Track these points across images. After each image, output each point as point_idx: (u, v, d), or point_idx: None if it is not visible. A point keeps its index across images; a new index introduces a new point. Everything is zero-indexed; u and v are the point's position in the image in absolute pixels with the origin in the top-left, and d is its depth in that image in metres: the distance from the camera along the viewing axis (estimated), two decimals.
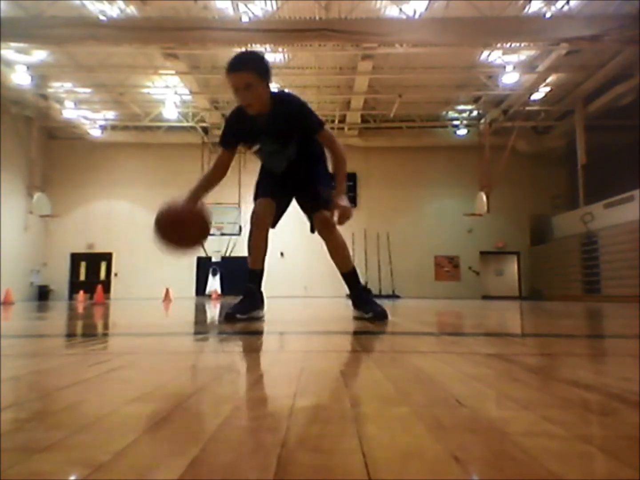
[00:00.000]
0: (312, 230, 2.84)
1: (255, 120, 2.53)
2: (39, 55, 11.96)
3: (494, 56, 12.31)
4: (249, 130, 2.61)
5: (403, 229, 16.29)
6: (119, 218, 16.90)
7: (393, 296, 14.79)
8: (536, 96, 14.00)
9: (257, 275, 2.81)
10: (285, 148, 2.68)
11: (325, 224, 2.70)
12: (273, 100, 2.51)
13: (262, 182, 2.86)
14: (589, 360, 1.25)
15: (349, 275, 2.80)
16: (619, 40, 9.90)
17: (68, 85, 13.82)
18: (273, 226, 2.85)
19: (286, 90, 2.76)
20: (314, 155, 2.81)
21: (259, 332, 2.12)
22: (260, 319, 2.74)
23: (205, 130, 16.44)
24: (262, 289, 2.87)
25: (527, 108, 14.62)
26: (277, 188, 2.79)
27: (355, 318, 2.71)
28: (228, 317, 2.57)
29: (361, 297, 2.78)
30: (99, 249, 16.81)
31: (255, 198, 2.80)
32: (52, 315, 4.24)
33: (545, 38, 10.27)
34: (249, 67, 2.36)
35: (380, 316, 2.59)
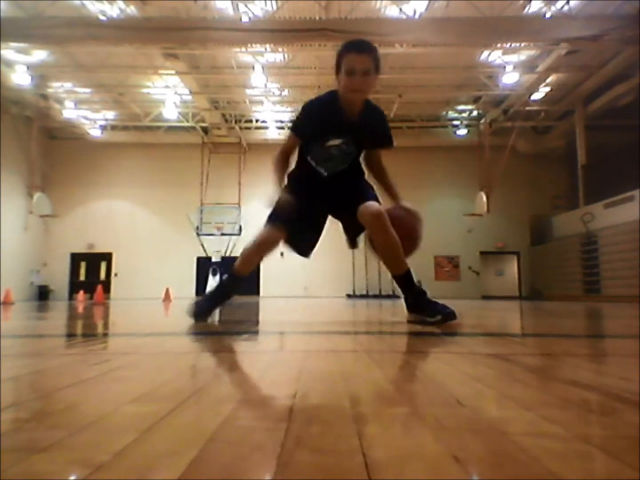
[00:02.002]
0: (353, 245, 2.63)
1: (345, 114, 2.37)
2: (39, 55, 11.96)
3: (494, 56, 12.31)
4: (334, 123, 2.39)
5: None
6: (119, 218, 16.91)
7: (393, 296, 14.79)
8: (536, 96, 14.00)
9: (239, 281, 2.59)
10: (355, 153, 2.51)
11: (376, 217, 2.34)
12: (366, 102, 2.40)
13: (283, 205, 2.50)
14: (589, 360, 1.25)
15: (404, 278, 2.43)
16: (619, 40, 9.90)
17: (68, 85, 13.83)
18: (307, 256, 2.67)
19: None
20: (360, 168, 2.61)
21: (259, 332, 2.12)
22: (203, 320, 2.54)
23: (205, 130, 16.44)
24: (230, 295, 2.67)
25: (527, 108, 14.63)
26: (305, 218, 2.50)
27: (414, 322, 2.42)
28: (197, 316, 2.48)
29: (421, 300, 2.42)
30: (99, 249, 16.82)
31: (269, 220, 2.49)
32: (52, 315, 4.24)
33: (545, 38, 10.27)
34: (373, 53, 2.26)
35: (451, 317, 2.27)
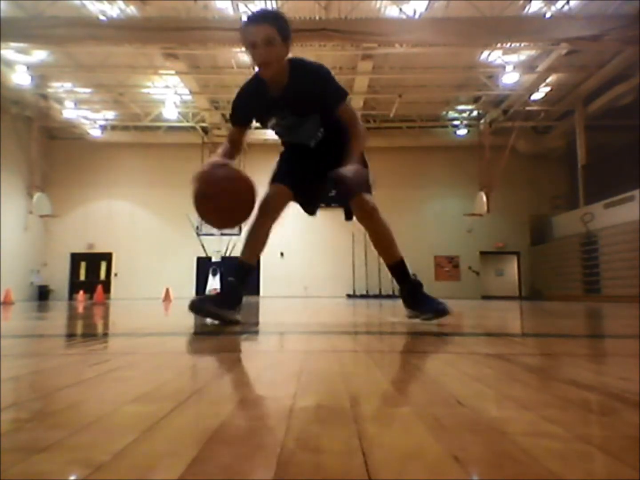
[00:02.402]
0: (348, 217, 2.46)
1: (270, 90, 2.26)
2: (39, 55, 11.96)
3: (494, 56, 12.31)
4: (264, 103, 2.31)
5: (403, 229, 16.26)
6: (119, 218, 16.91)
7: (393, 296, 14.79)
8: (536, 96, 14.00)
9: (247, 271, 2.37)
10: (305, 121, 2.35)
11: (363, 208, 2.31)
12: (291, 68, 2.24)
13: (281, 167, 2.49)
14: (589, 360, 1.25)
15: (397, 268, 2.36)
16: (619, 40, 9.90)
17: (68, 85, 13.83)
18: (312, 213, 2.55)
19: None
20: (343, 132, 2.37)
21: (259, 332, 2.12)
22: (232, 322, 2.25)
23: (205, 130, 16.44)
24: (244, 290, 2.37)
25: (527, 108, 14.63)
26: (301, 173, 2.43)
27: (410, 318, 2.35)
28: (194, 306, 2.21)
29: (414, 294, 2.34)
30: (99, 249, 16.82)
31: (271, 182, 2.44)
32: (52, 315, 4.24)
33: (545, 38, 10.27)
34: (271, 21, 2.14)
35: (442, 313, 2.23)
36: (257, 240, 2.38)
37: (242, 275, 2.34)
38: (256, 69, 2.25)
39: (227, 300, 2.26)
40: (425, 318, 2.25)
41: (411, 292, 2.36)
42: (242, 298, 2.31)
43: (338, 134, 2.34)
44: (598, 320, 3.44)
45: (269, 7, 10.59)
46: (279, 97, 2.28)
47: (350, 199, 2.31)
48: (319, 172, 2.35)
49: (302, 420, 0.59)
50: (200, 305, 2.23)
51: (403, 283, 2.38)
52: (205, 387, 0.85)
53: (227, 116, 2.44)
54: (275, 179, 2.43)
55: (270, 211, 2.35)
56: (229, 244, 15.77)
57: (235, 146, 2.43)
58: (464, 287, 16.07)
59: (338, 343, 1.64)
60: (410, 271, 2.39)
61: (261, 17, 2.18)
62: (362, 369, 1.08)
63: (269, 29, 2.12)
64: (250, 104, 2.36)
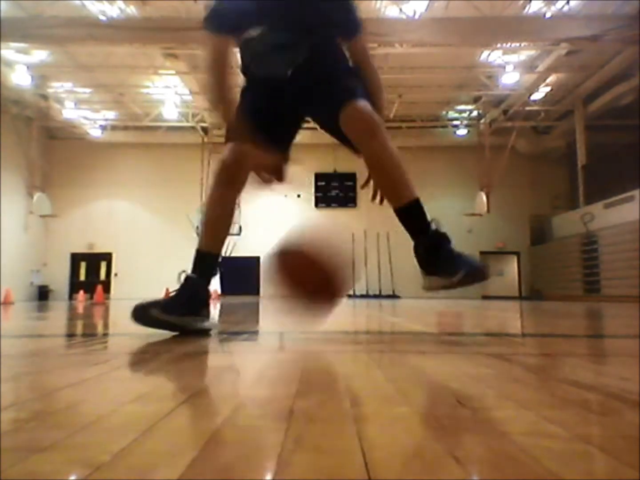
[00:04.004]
0: (355, 149, 1.76)
1: None
2: (39, 55, 11.96)
3: (494, 56, 12.31)
4: (252, 6, 1.74)
5: (403, 229, 16.26)
6: (119, 218, 16.91)
7: (393, 296, 14.79)
8: (536, 96, 14.00)
9: (210, 262, 1.79)
10: (299, 43, 1.79)
11: (359, 119, 1.64)
12: None
13: (242, 115, 1.82)
14: (589, 360, 1.25)
15: (409, 212, 1.66)
16: (619, 40, 9.90)
17: (68, 85, 13.83)
18: (286, 158, 1.88)
19: None
20: (333, 56, 1.88)
21: (259, 332, 2.13)
22: (202, 331, 1.71)
23: (205, 130, 16.44)
24: (210, 287, 1.81)
25: (527, 108, 14.63)
26: (270, 117, 1.83)
27: (430, 289, 1.66)
28: (137, 314, 1.64)
29: (435, 248, 1.60)
30: (99, 249, 16.82)
31: (227, 140, 1.82)
32: (52, 315, 4.24)
33: (545, 38, 10.27)
34: None
35: (480, 275, 1.55)
36: (219, 220, 1.81)
37: (204, 270, 1.76)
38: None
39: (185, 303, 1.67)
40: (458, 281, 1.51)
41: (432, 247, 1.61)
42: (209, 298, 1.76)
43: (324, 59, 1.84)
44: (598, 320, 3.44)
45: None
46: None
47: (340, 108, 1.64)
48: (293, 110, 1.87)
49: (302, 420, 0.59)
50: (144, 312, 1.64)
51: (419, 234, 1.64)
52: (205, 387, 0.85)
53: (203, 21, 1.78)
54: (234, 134, 1.80)
55: (231, 180, 1.78)
56: (229, 244, 15.78)
57: (222, 63, 1.81)
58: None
59: (338, 343, 1.64)
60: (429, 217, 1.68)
61: None
62: (362, 369, 1.08)
63: None
64: (235, 4, 1.77)
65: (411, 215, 1.66)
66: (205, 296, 1.75)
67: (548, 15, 10.25)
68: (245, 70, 1.90)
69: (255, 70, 1.87)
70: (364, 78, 1.83)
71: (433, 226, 1.64)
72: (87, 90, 14.10)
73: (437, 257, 1.59)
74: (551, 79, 13.02)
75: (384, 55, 11.74)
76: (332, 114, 1.67)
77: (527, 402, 0.71)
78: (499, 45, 11.10)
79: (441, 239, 1.62)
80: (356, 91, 1.70)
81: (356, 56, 1.87)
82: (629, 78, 11.86)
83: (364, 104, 1.65)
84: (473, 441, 0.51)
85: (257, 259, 16.87)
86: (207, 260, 1.78)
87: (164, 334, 1.63)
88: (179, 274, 1.72)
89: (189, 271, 1.74)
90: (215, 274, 1.79)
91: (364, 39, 1.91)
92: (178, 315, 1.65)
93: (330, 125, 1.77)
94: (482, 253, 16.84)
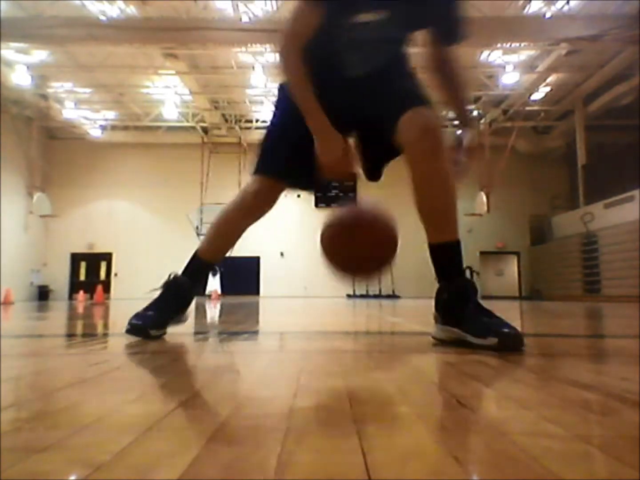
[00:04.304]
0: (373, 176, 1.71)
1: None
2: (39, 55, 11.96)
3: (494, 56, 12.31)
4: None
5: (403, 229, 16.14)
6: (119, 218, 16.91)
7: (393, 296, 14.80)
8: (536, 96, 14.01)
9: (204, 270, 1.78)
10: (398, 40, 1.60)
11: (424, 132, 1.40)
12: None
13: (279, 140, 1.64)
14: (589, 360, 1.25)
15: (447, 252, 1.47)
16: (619, 40, 9.90)
17: (68, 85, 13.83)
18: (312, 189, 1.79)
19: None
20: (406, 65, 1.68)
21: (259, 332, 2.12)
22: (180, 323, 1.71)
23: (205, 130, 16.45)
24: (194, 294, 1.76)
25: (527, 108, 14.63)
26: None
27: (444, 340, 1.46)
28: (135, 330, 1.62)
29: (463, 300, 1.41)
30: (99, 249, 16.82)
31: (259, 170, 1.64)
32: (52, 315, 4.24)
33: (545, 38, 10.28)
34: None
35: (514, 342, 1.29)
36: (229, 238, 1.76)
37: (196, 275, 1.73)
38: None
39: (171, 304, 1.66)
40: (483, 344, 1.29)
41: (460, 297, 1.42)
42: (190, 303, 1.71)
43: (395, 71, 1.62)
44: (598, 320, 3.44)
45: (269, 7, 10.60)
46: None
47: (402, 113, 1.42)
48: (348, 125, 1.57)
49: (302, 420, 0.59)
50: (145, 327, 1.62)
51: (450, 279, 1.45)
52: (205, 387, 0.85)
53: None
54: (269, 164, 1.64)
55: (256, 212, 1.70)
56: None
57: (304, 47, 1.44)
58: None
59: (338, 343, 1.64)
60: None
61: None
62: (362, 369, 1.08)
63: None
64: None
65: (447, 256, 1.48)
66: (189, 300, 1.71)
67: (548, 15, 10.26)
68: (315, 61, 1.47)
69: (347, 62, 1.55)
70: (455, 90, 1.68)
71: (467, 274, 1.48)
72: (87, 90, 14.10)
73: (463, 310, 1.40)
74: (551, 79, 13.02)
75: None
76: (389, 121, 1.45)
77: (527, 402, 0.71)
78: (499, 45, 11.10)
79: (471, 290, 1.44)
80: (422, 97, 1.50)
81: (446, 65, 1.66)
82: (629, 78, 11.86)
83: (431, 113, 1.45)
84: (473, 441, 0.51)
85: (257, 259, 16.89)
86: (201, 267, 1.75)
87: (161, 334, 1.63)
88: (169, 276, 1.69)
89: (179, 272, 1.71)
90: (203, 284, 1.69)
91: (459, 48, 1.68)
92: (171, 323, 1.66)
93: (374, 139, 1.59)
94: (482, 253, 16.86)
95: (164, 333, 1.64)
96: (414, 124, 1.41)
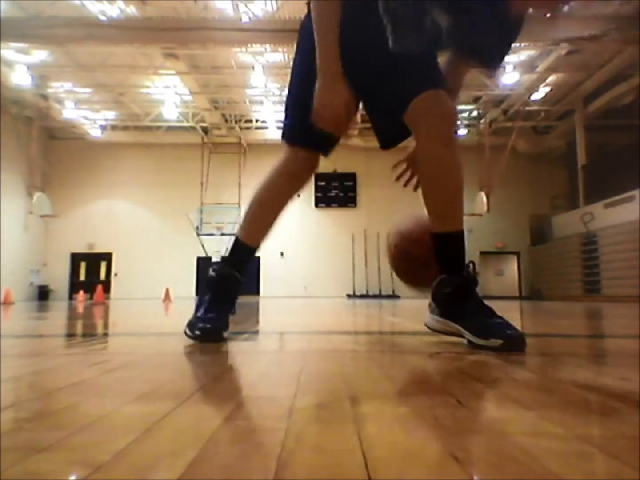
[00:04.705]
0: (386, 144, 1.60)
1: None
2: (39, 55, 11.97)
3: None
4: None
5: None
6: (119, 218, 16.92)
7: (393, 296, 14.79)
8: (536, 96, 14.01)
9: (249, 256, 1.65)
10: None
11: (441, 115, 1.35)
12: None
13: (298, 98, 1.52)
14: (589, 360, 1.25)
15: (450, 243, 1.43)
16: (619, 40, 9.90)
17: (68, 85, 13.84)
18: (328, 154, 1.61)
19: None
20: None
21: (259, 332, 2.12)
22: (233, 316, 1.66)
23: (205, 130, 16.45)
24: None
25: (527, 108, 14.63)
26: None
27: (437, 330, 1.47)
28: (207, 335, 1.49)
29: (463, 295, 1.39)
30: (99, 249, 16.82)
31: (285, 137, 1.59)
32: (52, 315, 4.25)
33: (545, 38, 10.27)
34: None
35: (517, 343, 1.28)
36: (271, 216, 1.63)
37: (243, 263, 1.64)
38: None
39: (228, 303, 1.61)
40: (484, 345, 1.28)
41: (463, 293, 1.39)
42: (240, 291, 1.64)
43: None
44: (598, 320, 3.44)
45: (269, 7, 10.59)
46: None
47: (418, 93, 1.34)
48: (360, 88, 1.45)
49: (302, 420, 0.59)
50: (218, 330, 1.54)
51: (453, 272, 1.41)
52: (205, 387, 0.85)
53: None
54: (290, 132, 1.58)
55: (298, 179, 1.61)
56: (229, 244, 15.77)
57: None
58: None
59: (338, 343, 1.64)
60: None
61: None
62: (362, 369, 1.08)
63: None
64: None
65: (451, 247, 1.43)
66: (240, 290, 1.64)
67: (548, 15, 10.25)
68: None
69: (401, 38, 1.39)
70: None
71: (470, 268, 1.43)
72: (87, 90, 14.10)
73: (464, 306, 1.37)
74: (551, 79, 13.03)
75: None
76: (402, 96, 1.36)
77: (527, 402, 0.71)
78: None
79: (473, 285, 1.41)
80: (440, 80, 1.41)
81: (458, 79, 1.59)
82: (629, 78, 11.87)
83: (447, 98, 1.36)
84: (473, 441, 0.52)
85: (257, 259, 16.88)
86: (246, 253, 1.64)
87: (163, 334, 1.63)
88: (212, 270, 1.61)
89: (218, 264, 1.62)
90: (244, 270, 1.63)
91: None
92: (228, 320, 1.59)
93: (384, 111, 1.49)
94: (482, 253, 16.87)
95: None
96: (430, 107, 1.33)
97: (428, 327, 1.48)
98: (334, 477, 0.41)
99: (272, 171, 1.61)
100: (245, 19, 10.53)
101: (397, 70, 1.40)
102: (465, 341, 1.38)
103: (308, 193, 16.54)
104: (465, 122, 16.59)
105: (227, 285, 1.60)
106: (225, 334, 1.58)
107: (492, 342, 1.27)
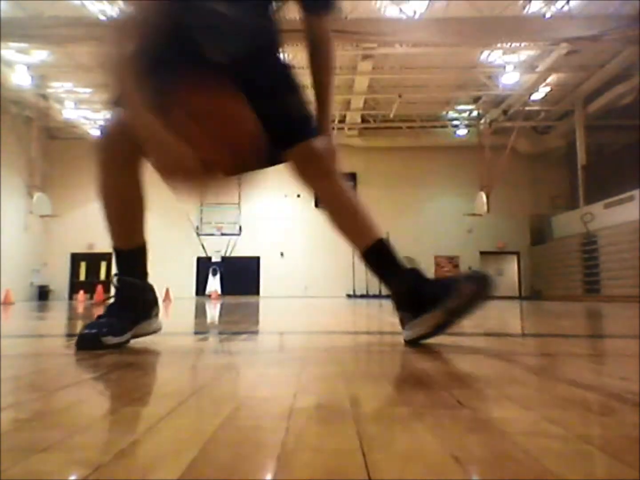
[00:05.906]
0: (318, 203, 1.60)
1: None
2: (39, 55, 11.96)
3: (494, 56, 12.31)
4: None
5: (403, 229, 16.28)
6: None
7: None
8: (536, 96, 14.00)
9: (134, 258, 1.48)
10: (262, 11, 1.49)
11: (312, 161, 1.44)
12: None
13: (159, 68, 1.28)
14: (589, 360, 1.25)
15: (380, 250, 1.44)
16: (619, 40, 9.90)
17: (68, 85, 13.83)
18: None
19: None
20: (276, 48, 1.60)
21: (259, 332, 2.12)
22: (153, 332, 1.53)
23: None
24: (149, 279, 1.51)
25: (527, 108, 14.63)
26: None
27: (417, 335, 1.37)
28: (86, 340, 1.30)
29: (415, 287, 1.37)
30: (99, 249, 16.80)
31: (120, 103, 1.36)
32: (52, 315, 4.24)
33: (545, 38, 10.28)
34: None
35: (484, 283, 1.31)
36: (122, 206, 1.54)
37: (134, 268, 1.47)
38: None
39: (131, 312, 1.42)
40: (469, 294, 1.28)
41: (422, 280, 1.39)
42: (155, 295, 1.54)
43: (270, 52, 1.56)
44: (598, 320, 3.44)
45: None
46: None
47: (291, 145, 1.41)
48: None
49: (302, 420, 0.59)
50: (96, 336, 1.31)
51: (397, 272, 1.42)
52: (205, 387, 0.85)
53: None
54: (127, 99, 1.32)
55: (120, 157, 1.51)
56: (229, 244, 15.78)
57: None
58: None
59: (338, 343, 1.64)
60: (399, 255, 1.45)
61: None
62: (362, 369, 1.08)
63: None
64: None
65: (381, 255, 1.44)
66: (152, 296, 1.51)
67: (548, 15, 10.25)
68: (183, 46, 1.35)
69: (207, 46, 1.33)
70: (318, 63, 1.61)
71: (406, 265, 1.41)
72: (87, 90, 14.09)
73: (430, 288, 1.35)
74: (551, 79, 13.02)
75: (384, 55, 11.75)
76: (280, 141, 1.39)
77: (527, 402, 0.71)
78: (499, 45, 11.11)
79: (418, 271, 1.41)
80: (311, 127, 1.48)
81: (317, 38, 1.58)
82: (629, 78, 11.86)
83: (317, 145, 1.44)
84: (473, 441, 0.51)
85: (257, 259, 16.88)
86: (129, 258, 1.47)
87: (163, 334, 1.63)
88: (112, 276, 1.47)
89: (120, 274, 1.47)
90: (144, 268, 1.51)
91: (331, 20, 1.57)
92: (131, 330, 1.40)
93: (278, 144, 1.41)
94: (482, 253, 16.87)
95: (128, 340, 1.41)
96: (302, 158, 1.43)
97: (408, 342, 1.40)
98: (334, 477, 0.41)
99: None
100: None
101: (266, 111, 1.30)
102: (464, 341, 1.38)
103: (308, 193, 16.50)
104: (465, 122, 16.60)
105: (128, 295, 1.44)
106: (226, 334, 1.58)
107: (468, 290, 1.27)
